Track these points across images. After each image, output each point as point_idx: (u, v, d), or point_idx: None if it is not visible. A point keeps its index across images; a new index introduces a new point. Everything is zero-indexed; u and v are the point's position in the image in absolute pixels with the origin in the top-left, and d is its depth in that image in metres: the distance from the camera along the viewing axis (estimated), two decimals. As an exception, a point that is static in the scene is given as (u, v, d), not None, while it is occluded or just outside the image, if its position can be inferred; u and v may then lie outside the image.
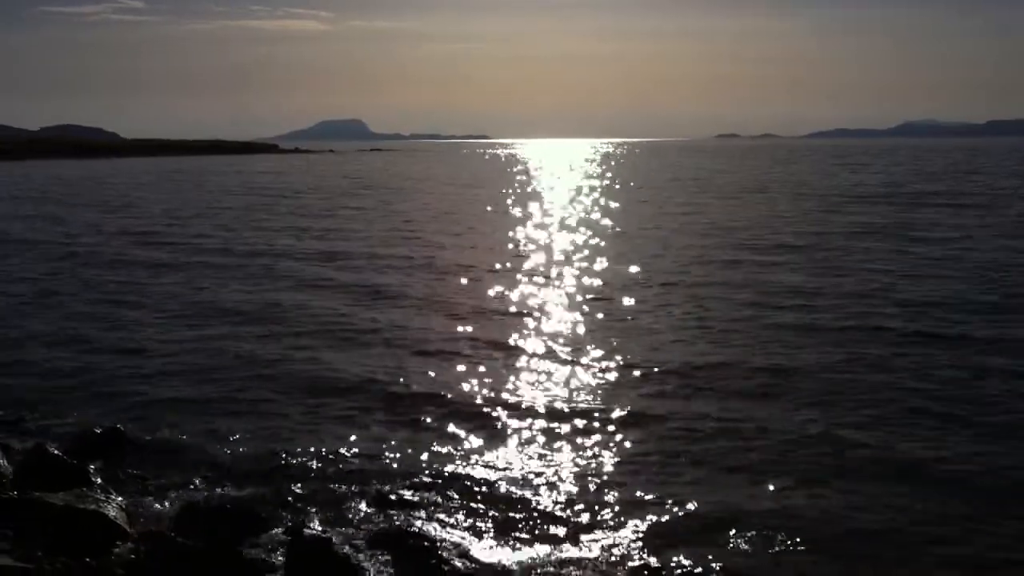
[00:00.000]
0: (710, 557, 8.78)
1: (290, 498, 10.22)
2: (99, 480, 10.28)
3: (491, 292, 22.69)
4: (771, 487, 10.36)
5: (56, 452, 10.52)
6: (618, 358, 15.72)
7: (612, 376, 14.76)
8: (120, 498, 9.72)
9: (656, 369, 14.97)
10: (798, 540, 9.05)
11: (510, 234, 36.21)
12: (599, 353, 16.11)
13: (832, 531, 9.28)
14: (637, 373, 14.85)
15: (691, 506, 9.86)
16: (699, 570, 8.59)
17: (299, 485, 10.60)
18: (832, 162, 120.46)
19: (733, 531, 9.25)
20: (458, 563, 8.51)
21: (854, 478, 10.55)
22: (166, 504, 10.02)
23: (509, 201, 56.19)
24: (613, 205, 52.31)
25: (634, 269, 25.97)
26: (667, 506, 9.87)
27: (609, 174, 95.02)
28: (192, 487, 10.55)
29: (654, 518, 9.58)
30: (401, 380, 14.67)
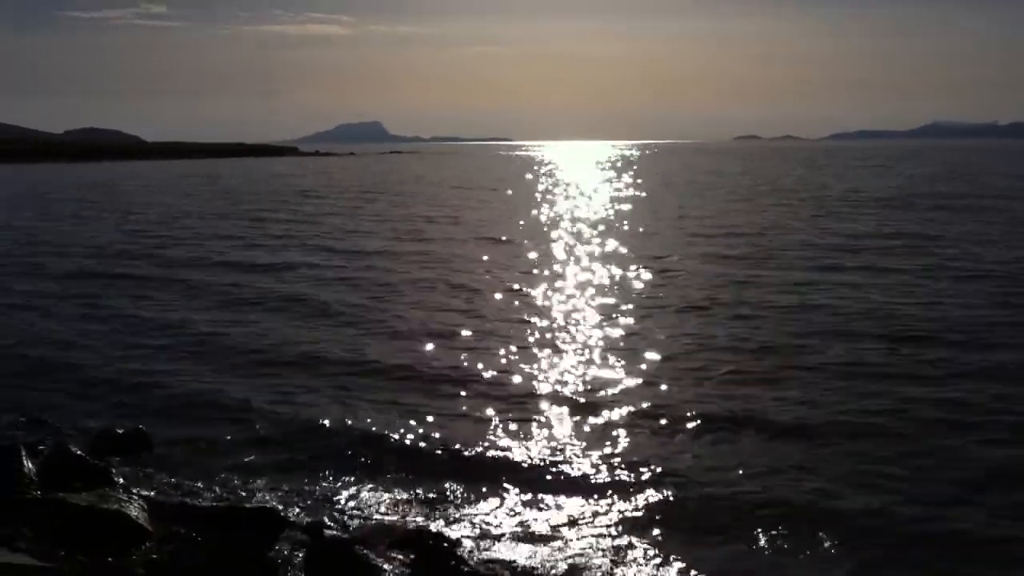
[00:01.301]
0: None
1: (310, 499, 10.24)
2: (121, 480, 10.31)
3: (515, 303, 22.63)
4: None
5: (78, 452, 10.57)
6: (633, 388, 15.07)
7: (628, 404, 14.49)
8: (141, 498, 9.75)
9: (664, 407, 13.29)
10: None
11: (527, 244, 34.22)
12: (612, 373, 15.94)
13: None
14: (651, 406, 13.64)
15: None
16: None
17: (319, 486, 10.64)
18: (852, 165, 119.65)
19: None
20: (478, 565, 8.50)
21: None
22: (187, 504, 10.04)
23: (525, 208, 55.66)
24: (628, 210, 51.76)
25: (641, 285, 24.83)
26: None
27: (627, 177, 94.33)
28: (213, 487, 10.58)
29: (696, 539, 9.23)
30: (424, 382, 14.68)
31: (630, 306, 21.04)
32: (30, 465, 10.35)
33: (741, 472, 10.93)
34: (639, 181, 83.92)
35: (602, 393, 14.04)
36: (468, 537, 9.23)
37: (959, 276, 23.98)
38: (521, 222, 43.43)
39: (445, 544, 8.74)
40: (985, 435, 11.91)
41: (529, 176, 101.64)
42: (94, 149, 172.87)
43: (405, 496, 10.29)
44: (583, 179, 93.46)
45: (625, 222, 42.49)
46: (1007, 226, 36.16)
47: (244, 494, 10.40)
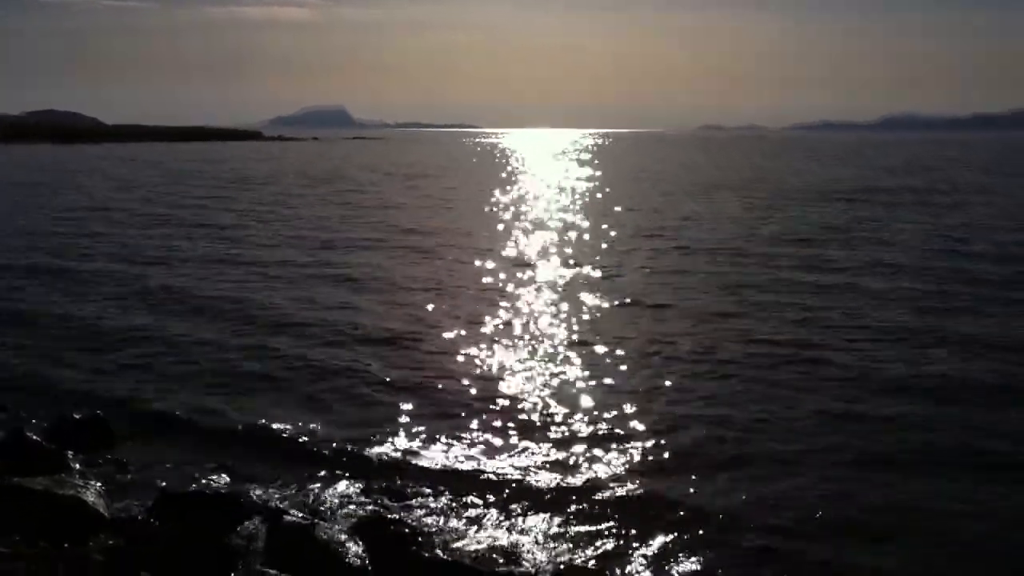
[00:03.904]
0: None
1: (271, 485, 10.23)
2: (78, 466, 10.24)
3: (469, 283, 22.61)
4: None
5: (35, 438, 10.47)
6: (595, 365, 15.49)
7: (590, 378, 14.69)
8: (99, 484, 9.67)
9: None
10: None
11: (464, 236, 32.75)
12: (573, 354, 16.05)
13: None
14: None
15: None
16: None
17: (280, 472, 10.63)
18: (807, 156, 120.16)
19: None
20: (437, 551, 8.53)
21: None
22: (146, 491, 9.97)
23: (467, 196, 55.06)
24: (568, 202, 50.68)
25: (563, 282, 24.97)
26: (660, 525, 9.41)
27: (576, 167, 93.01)
28: (172, 474, 10.52)
29: (643, 524, 9.35)
30: (382, 373, 14.63)
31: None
32: (-15, 451, 10.24)
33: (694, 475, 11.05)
34: (587, 171, 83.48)
35: (556, 393, 14.08)
36: (427, 523, 9.27)
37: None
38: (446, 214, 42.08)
39: (405, 529, 8.77)
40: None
41: (483, 162, 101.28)
42: (52, 130, 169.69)
43: (365, 483, 10.31)
44: (536, 167, 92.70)
45: (553, 215, 42.08)
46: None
47: (204, 480, 10.35)
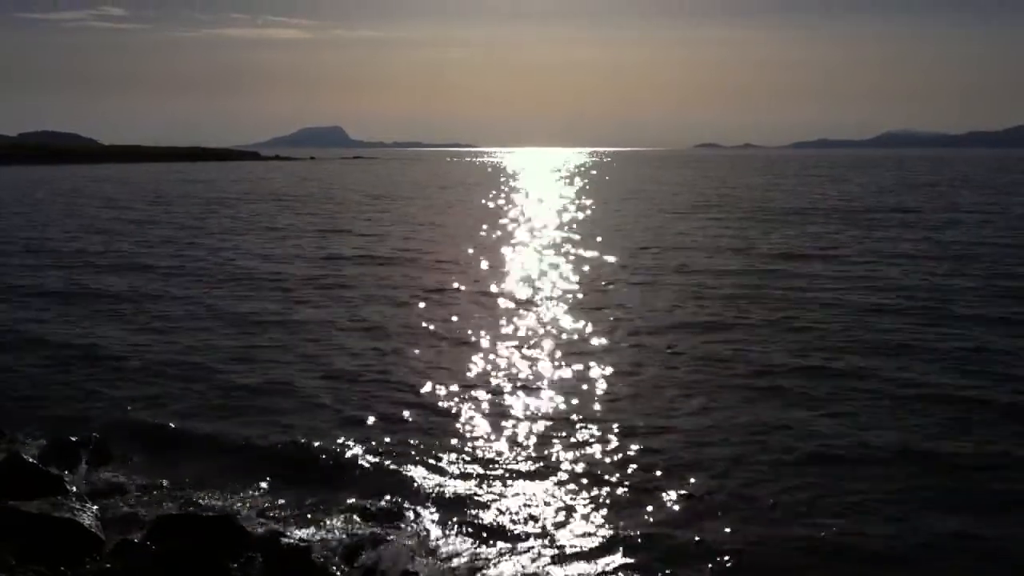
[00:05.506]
0: None
1: (268, 506, 10.19)
2: (74, 488, 10.19)
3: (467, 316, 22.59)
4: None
5: (31, 460, 10.43)
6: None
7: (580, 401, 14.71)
8: (95, 507, 9.63)
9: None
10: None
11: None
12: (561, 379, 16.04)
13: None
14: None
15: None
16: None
17: (277, 493, 10.59)
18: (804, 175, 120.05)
19: None
20: (432, 573, 8.50)
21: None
22: (142, 513, 9.94)
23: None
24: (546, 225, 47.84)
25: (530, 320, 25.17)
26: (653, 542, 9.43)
27: (569, 187, 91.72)
28: (169, 496, 10.48)
29: (641, 550, 9.27)
30: (374, 399, 14.53)
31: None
32: (-19, 474, 10.19)
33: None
34: (580, 193, 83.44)
35: (545, 407, 14.13)
36: (423, 545, 9.23)
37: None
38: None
39: (400, 551, 8.74)
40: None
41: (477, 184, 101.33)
42: (44, 152, 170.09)
43: (363, 506, 10.27)
44: (529, 187, 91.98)
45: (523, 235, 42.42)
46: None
47: (201, 503, 10.31)
